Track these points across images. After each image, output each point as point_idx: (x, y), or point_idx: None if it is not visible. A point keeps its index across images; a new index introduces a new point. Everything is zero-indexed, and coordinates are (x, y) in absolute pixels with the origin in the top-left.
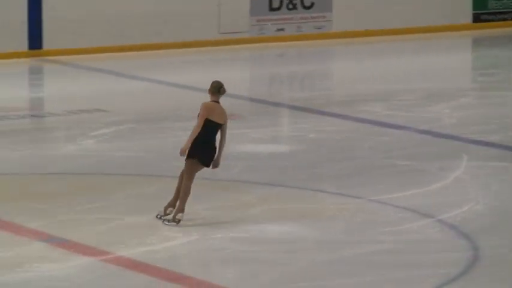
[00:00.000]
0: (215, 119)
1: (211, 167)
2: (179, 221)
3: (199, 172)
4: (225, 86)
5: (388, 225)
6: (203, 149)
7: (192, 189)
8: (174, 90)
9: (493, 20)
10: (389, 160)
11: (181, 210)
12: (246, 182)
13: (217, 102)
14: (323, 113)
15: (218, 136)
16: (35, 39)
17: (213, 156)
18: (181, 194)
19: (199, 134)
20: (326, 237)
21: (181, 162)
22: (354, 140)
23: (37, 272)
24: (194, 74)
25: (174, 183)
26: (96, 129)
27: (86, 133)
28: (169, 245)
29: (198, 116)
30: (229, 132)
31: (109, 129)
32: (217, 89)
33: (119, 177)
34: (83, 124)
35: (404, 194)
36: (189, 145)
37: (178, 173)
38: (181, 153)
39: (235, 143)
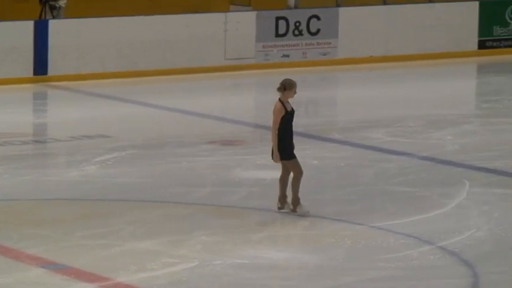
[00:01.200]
0: None
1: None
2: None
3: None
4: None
5: (389, 251)
6: None
7: (192, 215)
8: (179, 116)
9: (498, 47)
10: (391, 187)
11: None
12: (248, 208)
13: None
14: (326, 139)
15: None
16: (41, 65)
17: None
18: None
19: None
20: (327, 263)
21: (182, 189)
22: (356, 166)
23: None
24: (199, 100)
25: (176, 209)
26: (98, 155)
27: (88, 159)
28: (170, 270)
29: None
30: (232, 158)
31: (111, 155)
32: (280, 89)
33: (120, 203)
34: (85, 150)
35: (405, 220)
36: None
37: (180, 199)
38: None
39: (237, 169)
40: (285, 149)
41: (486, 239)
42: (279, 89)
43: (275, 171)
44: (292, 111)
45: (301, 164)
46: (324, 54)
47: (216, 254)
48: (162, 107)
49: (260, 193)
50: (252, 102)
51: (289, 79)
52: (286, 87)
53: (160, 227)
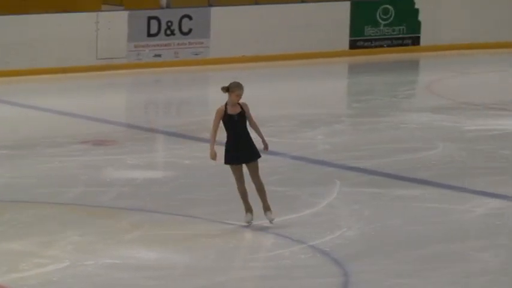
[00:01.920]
0: None
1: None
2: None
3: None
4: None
5: (261, 251)
6: None
7: (63, 215)
8: (50, 116)
9: (369, 47)
10: None
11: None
12: (119, 208)
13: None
14: (198, 139)
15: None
16: None
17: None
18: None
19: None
20: (198, 263)
21: (54, 189)
22: (228, 166)
23: None
24: (71, 100)
25: (48, 209)
26: None
27: None
28: (41, 271)
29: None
30: (104, 158)
31: None
32: (223, 89)
33: None
34: None
35: (276, 220)
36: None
37: (52, 199)
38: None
39: (109, 169)
40: (225, 152)
41: (357, 238)
42: (222, 89)
43: (146, 171)
44: (235, 115)
45: (174, 165)
46: (196, 54)
47: (87, 254)
48: (34, 107)
49: (131, 193)
50: (124, 102)
51: (236, 82)
52: (229, 89)
53: (31, 228)
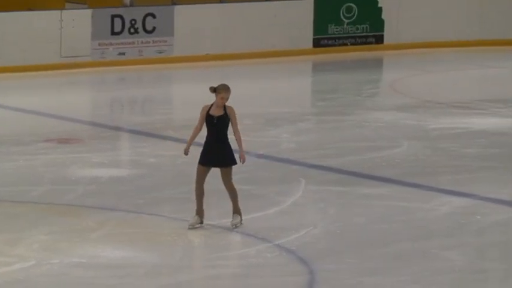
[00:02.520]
0: None
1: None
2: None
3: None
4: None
5: (226, 249)
6: None
7: (29, 213)
8: (14, 114)
9: (333, 45)
10: None
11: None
12: (85, 207)
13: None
14: (163, 137)
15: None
16: None
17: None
18: (234, 195)
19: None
20: (164, 261)
21: (19, 187)
22: (193, 164)
23: None
24: (35, 98)
25: (13, 208)
26: None
27: None
28: (6, 270)
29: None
30: (69, 156)
31: None
32: (211, 89)
33: None
34: None
35: (242, 218)
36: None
37: (17, 198)
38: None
39: (74, 167)
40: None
41: (322, 236)
42: (209, 89)
43: (111, 170)
44: (215, 117)
45: (139, 163)
46: (160, 52)
47: (53, 252)
48: None
49: (97, 191)
50: (88, 100)
51: (224, 84)
52: (216, 90)
53: None
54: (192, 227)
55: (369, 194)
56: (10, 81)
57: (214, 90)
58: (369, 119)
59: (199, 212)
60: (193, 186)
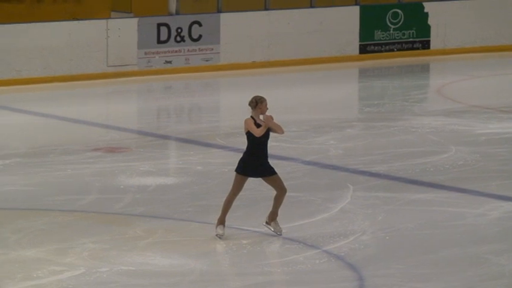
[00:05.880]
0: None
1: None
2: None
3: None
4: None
5: (275, 256)
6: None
7: (77, 222)
8: (62, 124)
9: (379, 51)
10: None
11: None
12: (133, 215)
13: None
14: (210, 145)
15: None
16: None
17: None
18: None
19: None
20: (212, 269)
21: (67, 197)
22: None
23: None
24: (82, 107)
25: (62, 217)
26: None
27: None
28: (56, 278)
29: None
30: (117, 165)
31: None
32: (252, 104)
33: (5, 212)
34: None
35: (290, 225)
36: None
37: (65, 207)
38: None
39: (122, 176)
40: (239, 160)
41: (370, 242)
42: (250, 104)
43: (159, 178)
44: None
45: (186, 171)
46: (207, 60)
47: (102, 261)
48: (46, 115)
49: (145, 200)
50: (136, 109)
51: (259, 95)
52: (258, 102)
53: (46, 235)
54: (221, 237)
55: (417, 200)
56: (58, 91)
57: (256, 102)
58: (416, 125)
59: (223, 222)
60: (243, 193)
